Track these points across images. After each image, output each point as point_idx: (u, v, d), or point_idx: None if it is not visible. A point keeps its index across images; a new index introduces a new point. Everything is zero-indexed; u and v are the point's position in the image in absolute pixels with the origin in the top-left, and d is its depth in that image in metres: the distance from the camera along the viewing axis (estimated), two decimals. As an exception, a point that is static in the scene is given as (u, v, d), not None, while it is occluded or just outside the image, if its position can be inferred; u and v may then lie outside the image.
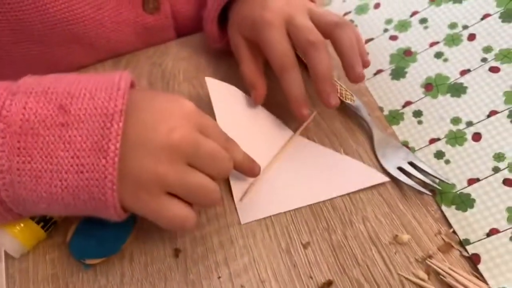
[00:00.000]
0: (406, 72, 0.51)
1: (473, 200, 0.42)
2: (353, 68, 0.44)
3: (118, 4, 0.54)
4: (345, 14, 0.59)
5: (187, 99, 0.38)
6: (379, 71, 0.53)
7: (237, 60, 0.50)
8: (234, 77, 0.51)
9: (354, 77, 0.44)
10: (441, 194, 0.43)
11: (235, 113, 0.48)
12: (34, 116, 0.33)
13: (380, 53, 0.54)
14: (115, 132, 0.33)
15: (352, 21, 0.58)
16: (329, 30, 0.44)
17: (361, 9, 0.58)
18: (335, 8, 0.61)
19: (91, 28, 0.53)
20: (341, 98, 0.49)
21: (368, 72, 0.53)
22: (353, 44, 0.44)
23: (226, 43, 0.52)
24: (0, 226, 0.39)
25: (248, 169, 0.42)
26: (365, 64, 0.45)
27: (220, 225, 0.43)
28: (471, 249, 0.40)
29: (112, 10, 0.54)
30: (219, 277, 0.40)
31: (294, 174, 0.46)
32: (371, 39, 0.55)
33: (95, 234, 0.40)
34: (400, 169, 0.45)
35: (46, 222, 0.41)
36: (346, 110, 0.51)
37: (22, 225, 0.39)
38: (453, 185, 0.43)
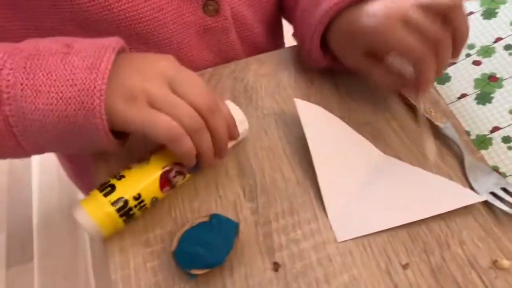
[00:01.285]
0: (492, 98, 0.52)
1: None
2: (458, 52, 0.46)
3: (179, 6, 0.55)
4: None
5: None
6: (463, 95, 0.53)
7: (362, 75, 0.51)
8: (314, 93, 0.52)
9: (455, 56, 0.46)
10: (537, 220, 0.44)
11: (325, 134, 0.48)
12: (43, 47, 0.40)
13: (463, 78, 0.55)
14: (108, 56, 0.39)
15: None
16: (444, 13, 0.44)
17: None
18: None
19: (153, 28, 0.54)
20: (432, 120, 0.50)
21: (452, 95, 0.54)
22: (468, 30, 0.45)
23: (328, 62, 0.53)
24: (87, 208, 0.41)
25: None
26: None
27: (316, 241, 0.44)
28: None
29: (174, 11, 0.55)
30: (320, 294, 0.41)
31: (387, 193, 0.46)
32: (454, 63, 0.56)
33: (200, 244, 0.41)
34: (493, 194, 0.45)
35: (127, 216, 0.42)
36: (434, 132, 0.51)
37: (105, 211, 0.41)
38: (550, 213, 0.43)
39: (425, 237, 0.44)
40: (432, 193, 0.46)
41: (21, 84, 0.38)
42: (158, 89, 0.40)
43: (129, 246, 0.44)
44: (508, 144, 0.49)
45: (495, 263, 0.42)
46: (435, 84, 0.56)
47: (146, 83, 0.39)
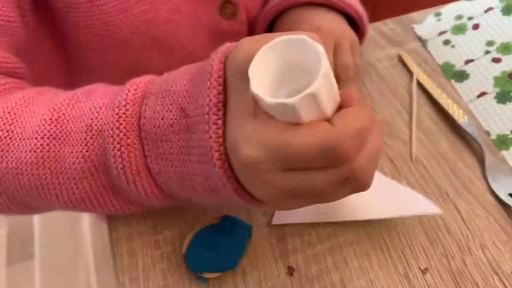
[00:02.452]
0: (512, 96, 0.50)
1: None
2: None
3: (196, 8, 0.54)
4: (441, 33, 0.58)
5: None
6: (482, 94, 0.52)
7: None
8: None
9: None
10: (562, 224, 0.42)
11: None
12: (163, 120, 0.34)
13: (482, 75, 0.53)
14: (214, 133, 0.30)
15: (448, 41, 0.57)
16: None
17: (458, 29, 0.57)
18: (429, 26, 0.60)
19: (170, 30, 0.52)
20: (453, 116, 0.49)
21: (470, 94, 0.52)
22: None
23: None
24: None
25: None
26: None
27: (332, 244, 0.42)
28: None
29: (190, 13, 0.53)
30: (337, 299, 0.39)
31: None
32: (471, 60, 0.54)
33: (212, 246, 0.39)
34: (513, 196, 0.44)
35: None
36: (453, 131, 0.49)
37: None
38: None
39: (444, 241, 0.42)
40: (389, 197, 0.43)
41: (166, 172, 0.34)
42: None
43: (137, 247, 0.42)
44: (530, 145, 0.47)
45: (518, 268, 0.40)
46: (453, 82, 0.54)
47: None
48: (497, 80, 0.52)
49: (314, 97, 0.25)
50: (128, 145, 0.34)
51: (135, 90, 0.35)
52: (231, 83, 0.31)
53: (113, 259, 0.42)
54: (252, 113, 0.29)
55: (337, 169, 0.28)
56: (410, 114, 0.51)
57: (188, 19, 0.53)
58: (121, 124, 0.34)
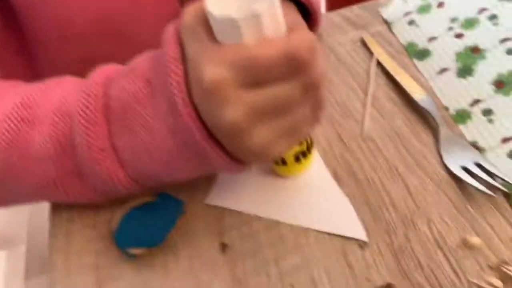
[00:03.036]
0: (473, 70, 0.48)
1: (556, 203, 0.37)
2: None
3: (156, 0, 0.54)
4: (406, 14, 0.56)
5: None
6: (443, 70, 0.49)
7: None
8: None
9: None
10: (516, 196, 0.39)
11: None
12: (127, 94, 0.34)
13: (444, 52, 0.51)
14: (176, 82, 0.31)
15: (413, 21, 0.55)
16: None
17: (423, 9, 0.55)
18: (395, 9, 0.58)
19: (130, 24, 0.52)
20: (410, 93, 0.47)
21: (431, 71, 0.50)
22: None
23: None
24: None
25: None
26: None
27: (268, 222, 0.41)
28: (555, 257, 0.35)
29: (151, 5, 0.53)
30: (267, 276, 0.37)
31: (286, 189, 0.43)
32: (434, 38, 0.52)
33: (140, 222, 0.39)
34: (466, 169, 0.41)
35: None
36: (408, 107, 0.47)
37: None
38: (531, 187, 0.39)
39: (389, 217, 0.40)
40: (326, 212, 0.41)
41: (130, 147, 0.35)
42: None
43: (76, 229, 0.42)
44: (489, 117, 0.44)
45: (464, 242, 0.37)
46: (415, 61, 0.52)
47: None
48: (459, 56, 0.49)
49: (258, 18, 0.27)
50: (96, 124, 0.35)
51: (104, 74, 0.37)
52: (187, 42, 0.31)
53: (49, 240, 0.42)
54: (210, 41, 0.29)
55: (298, 77, 0.29)
56: (367, 94, 0.50)
57: (148, 11, 0.54)
58: (90, 103, 0.35)
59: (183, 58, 0.31)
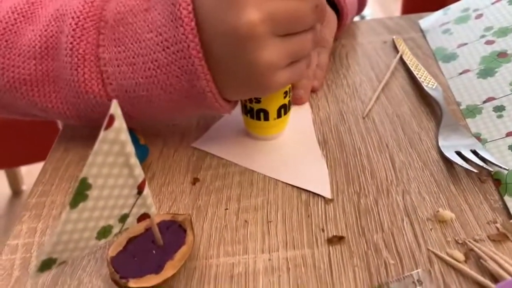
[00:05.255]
0: (495, 72, 0.46)
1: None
2: None
3: None
4: (443, 24, 0.56)
5: None
6: (465, 71, 0.48)
7: None
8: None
9: None
10: (506, 184, 0.36)
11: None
12: (124, 7, 0.35)
13: (471, 56, 0.49)
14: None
15: (448, 29, 0.54)
16: None
17: (461, 19, 0.55)
18: (434, 19, 0.58)
19: None
20: (421, 81, 0.46)
21: (453, 71, 0.49)
22: None
23: None
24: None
25: None
26: None
27: (246, 169, 0.41)
28: (530, 241, 0.31)
29: None
30: (226, 209, 0.37)
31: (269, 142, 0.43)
32: (465, 44, 0.51)
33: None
34: (459, 154, 0.38)
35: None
36: (417, 97, 0.46)
37: None
38: (524, 176, 0.35)
39: (364, 181, 0.38)
40: (301, 168, 0.40)
41: (116, 59, 0.35)
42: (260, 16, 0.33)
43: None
44: (499, 113, 0.42)
45: (436, 215, 0.34)
46: (440, 63, 0.51)
47: (244, 16, 0.32)
48: (484, 59, 0.48)
49: None
50: (84, 29, 0.36)
51: None
52: None
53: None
54: None
55: None
56: (381, 82, 0.49)
57: None
58: (84, 9, 0.36)
59: None
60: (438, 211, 0.34)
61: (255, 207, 0.37)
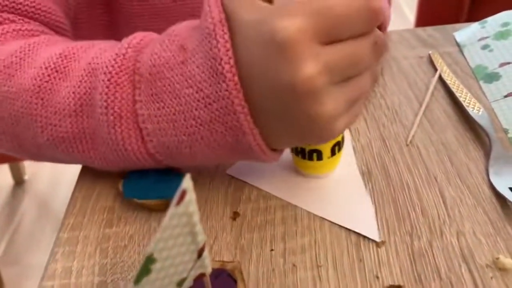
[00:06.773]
0: (544, 97, 0.44)
1: None
2: None
3: None
4: (482, 39, 0.54)
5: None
6: (510, 94, 0.46)
7: None
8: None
9: None
10: None
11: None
12: (159, 59, 0.33)
13: (515, 77, 0.47)
14: (223, 46, 0.30)
15: (487, 45, 0.52)
16: None
17: (502, 35, 0.52)
18: (470, 33, 0.56)
19: None
20: (466, 107, 0.44)
21: (497, 94, 0.47)
22: None
23: None
24: None
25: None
26: None
27: (288, 203, 0.39)
28: None
29: None
30: (271, 250, 0.35)
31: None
32: (508, 63, 0.49)
33: (150, 174, 0.39)
34: (514, 191, 0.37)
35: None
36: (462, 123, 0.44)
37: None
38: None
39: (415, 220, 0.36)
40: (346, 206, 0.38)
41: (155, 116, 0.33)
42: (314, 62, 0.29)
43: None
44: (552, 145, 0.40)
45: (495, 262, 0.33)
46: (482, 83, 0.49)
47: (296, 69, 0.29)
48: (531, 81, 0.46)
49: None
50: (118, 84, 0.34)
51: (140, 39, 0.36)
52: (235, 5, 0.30)
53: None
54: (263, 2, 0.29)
55: (370, 34, 0.29)
56: (421, 105, 0.47)
57: None
58: (116, 63, 0.34)
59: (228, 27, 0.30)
60: (498, 258, 0.33)
61: (302, 248, 0.35)
